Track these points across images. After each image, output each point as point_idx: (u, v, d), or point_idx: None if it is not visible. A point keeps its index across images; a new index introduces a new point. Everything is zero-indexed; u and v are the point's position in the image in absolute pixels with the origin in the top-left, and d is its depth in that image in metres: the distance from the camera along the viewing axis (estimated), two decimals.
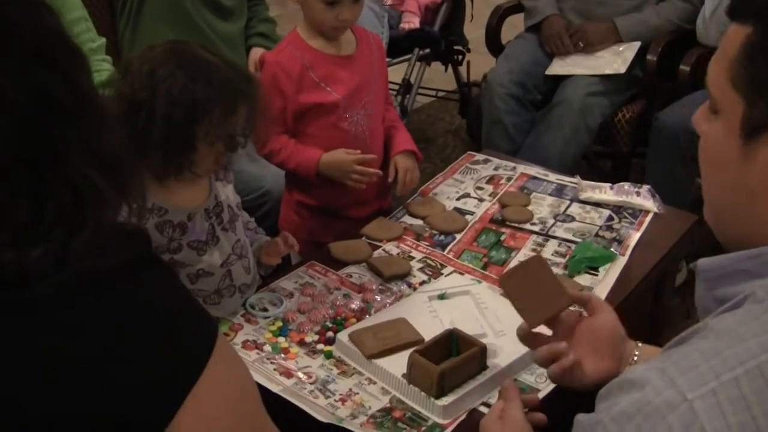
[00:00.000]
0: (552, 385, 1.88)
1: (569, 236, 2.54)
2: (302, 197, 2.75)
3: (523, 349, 1.86)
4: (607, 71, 3.83)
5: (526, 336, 1.75)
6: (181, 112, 1.86)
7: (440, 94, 5.43)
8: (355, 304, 2.20)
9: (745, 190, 1.16)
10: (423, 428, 1.82)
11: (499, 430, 1.56)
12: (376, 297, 2.24)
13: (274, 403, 1.79)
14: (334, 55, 2.62)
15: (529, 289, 1.71)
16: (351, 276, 2.35)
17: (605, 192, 2.76)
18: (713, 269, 1.19)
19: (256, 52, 3.52)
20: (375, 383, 1.95)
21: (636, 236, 2.55)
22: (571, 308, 1.74)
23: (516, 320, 1.73)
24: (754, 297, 1.08)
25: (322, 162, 2.57)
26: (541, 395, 1.87)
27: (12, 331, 1.05)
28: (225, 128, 1.95)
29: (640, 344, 1.67)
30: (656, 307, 2.66)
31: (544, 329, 1.74)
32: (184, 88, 1.87)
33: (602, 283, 2.31)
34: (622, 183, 2.79)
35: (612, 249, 2.47)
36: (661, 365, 1.05)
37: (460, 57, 4.95)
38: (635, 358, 1.62)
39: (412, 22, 4.68)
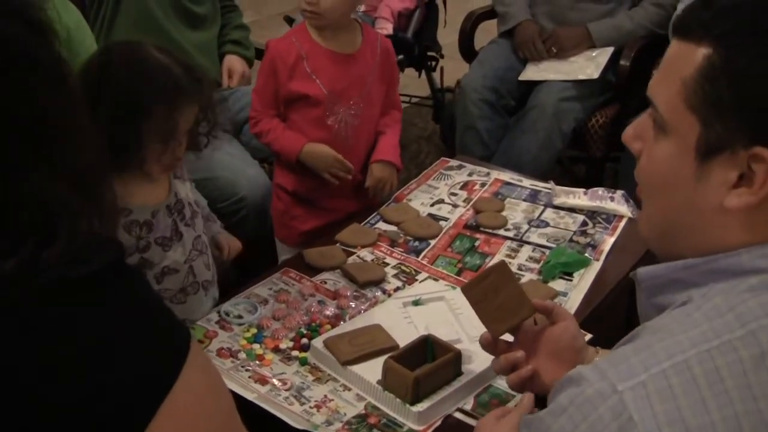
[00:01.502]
0: None
1: (543, 241, 2.55)
2: (281, 180, 2.82)
3: None
4: (581, 76, 3.83)
5: (488, 344, 1.76)
6: (123, 109, 1.88)
7: (414, 100, 5.43)
8: (330, 311, 2.20)
9: (696, 210, 1.18)
10: None
11: (491, 429, 1.56)
12: (351, 303, 2.24)
13: (249, 411, 1.79)
14: (333, 50, 2.67)
15: (491, 298, 1.72)
16: (326, 282, 2.34)
17: (579, 197, 2.76)
18: (651, 278, 1.24)
19: (229, 60, 3.52)
20: (350, 390, 1.95)
21: (610, 241, 2.56)
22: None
23: None
24: (690, 302, 1.13)
25: (305, 150, 2.65)
26: (514, 402, 1.87)
27: None
28: (170, 126, 1.97)
29: (600, 351, 1.69)
30: (631, 311, 2.66)
31: (507, 336, 1.75)
32: (127, 87, 1.90)
33: (577, 288, 2.31)
34: (596, 188, 2.79)
35: (586, 254, 2.47)
36: (598, 362, 1.11)
37: (434, 63, 4.94)
38: None
39: (385, 28, 4.67)
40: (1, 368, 1.04)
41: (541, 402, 1.63)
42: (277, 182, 2.85)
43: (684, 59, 1.16)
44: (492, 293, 1.72)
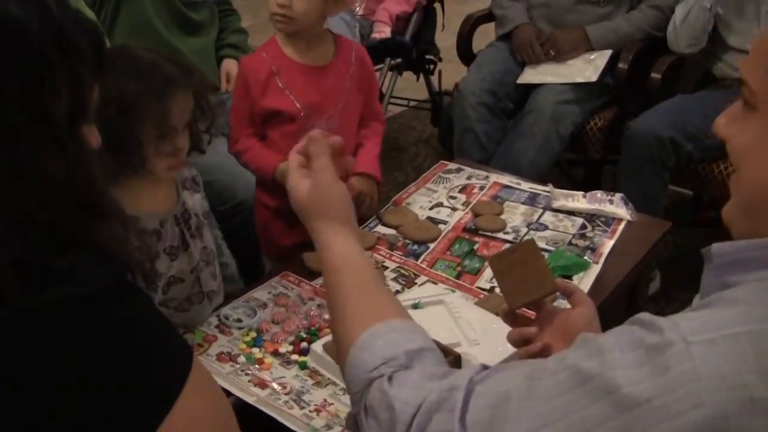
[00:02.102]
0: None
1: (542, 245, 2.54)
2: (262, 195, 2.79)
3: (497, 358, 1.86)
4: (579, 79, 3.84)
5: (506, 316, 1.75)
6: (114, 107, 1.84)
7: (412, 103, 5.43)
8: (329, 315, 2.20)
9: None
10: None
11: (307, 193, 1.50)
12: None
13: (248, 414, 1.79)
14: (305, 64, 2.61)
15: (515, 271, 1.71)
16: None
17: (578, 200, 2.76)
18: (726, 254, 1.20)
19: (227, 63, 3.53)
20: None
21: (609, 244, 2.56)
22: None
23: (490, 330, 1.74)
24: (763, 281, 1.10)
25: (279, 169, 2.58)
26: None
27: None
28: (163, 115, 1.96)
29: None
30: (630, 315, 2.66)
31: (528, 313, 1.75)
32: (113, 84, 1.86)
33: None
34: (595, 191, 2.79)
35: (585, 257, 2.48)
36: (671, 316, 1.09)
37: (432, 66, 4.95)
38: None
39: (383, 31, 4.68)
40: None
41: None
42: (258, 197, 2.82)
43: None
44: (517, 267, 1.71)
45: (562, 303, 1.77)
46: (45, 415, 1.04)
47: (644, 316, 1.10)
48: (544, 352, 1.62)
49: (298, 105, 2.59)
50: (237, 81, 2.68)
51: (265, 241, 2.84)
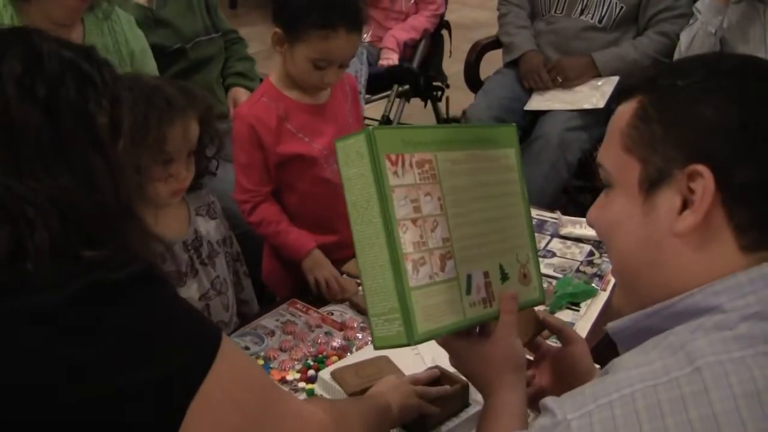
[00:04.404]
0: None
1: (550, 272, 2.54)
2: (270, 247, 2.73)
3: None
4: (586, 106, 3.84)
5: None
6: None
7: None
8: (337, 342, 2.20)
9: (651, 242, 1.22)
10: None
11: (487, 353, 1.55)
12: (358, 335, 2.24)
13: None
14: (310, 103, 2.56)
15: None
16: (332, 314, 2.34)
17: (585, 227, 2.76)
18: (621, 330, 1.27)
19: (235, 91, 3.54)
20: None
21: None
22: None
23: None
24: (652, 343, 1.16)
25: (312, 256, 2.51)
26: None
27: (32, 340, 1.13)
28: (162, 145, 1.97)
29: None
30: None
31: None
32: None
33: (584, 319, 2.31)
34: None
35: (593, 284, 2.47)
36: (563, 395, 1.16)
37: (440, 93, 4.96)
38: None
39: (391, 58, 4.69)
40: (37, 365, 1.12)
41: None
42: (269, 248, 2.75)
43: (621, 115, 1.25)
44: None
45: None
46: (87, 396, 1.13)
47: (545, 400, 1.16)
48: (537, 396, 1.63)
49: (316, 147, 2.55)
50: (239, 135, 2.52)
51: (269, 280, 2.80)
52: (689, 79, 1.18)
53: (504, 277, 1.59)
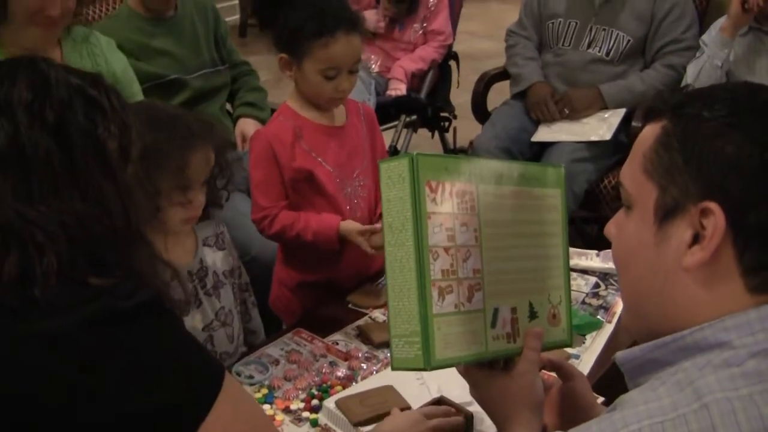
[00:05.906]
0: None
1: None
2: (303, 276, 2.72)
3: None
4: (593, 137, 3.85)
5: None
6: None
7: None
8: (342, 372, 2.19)
9: (661, 273, 1.22)
10: None
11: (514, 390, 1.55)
12: (363, 365, 2.23)
13: None
14: (325, 125, 2.59)
15: None
16: (337, 343, 2.33)
17: (591, 259, 2.76)
18: (629, 361, 1.27)
19: (243, 123, 3.55)
20: None
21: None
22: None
23: None
24: (660, 379, 1.16)
25: (343, 226, 2.52)
26: None
27: (38, 361, 1.15)
28: (183, 170, 1.99)
29: None
30: None
31: None
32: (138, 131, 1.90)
33: (589, 351, 2.30)
34: (608, 250, 2.78)
35: (599, 316, 2.46)
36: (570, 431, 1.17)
37: (447, 123, 4.97)
38: None
39: (398, 88, 4.70)
40: (38, 391, 1.14)
41: None
42: (296, 280, 2.73)
43: (646, 136, 1.25)
44: None
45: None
46: (89, 422, 1.14)
47: None
48: None
49: (328, 167, 2.57)
50: (256, 153, 2.56)
51: (276, 308, 2.81)
52: (715, 111, 1.18)
53: (533, 315, 1.60)
